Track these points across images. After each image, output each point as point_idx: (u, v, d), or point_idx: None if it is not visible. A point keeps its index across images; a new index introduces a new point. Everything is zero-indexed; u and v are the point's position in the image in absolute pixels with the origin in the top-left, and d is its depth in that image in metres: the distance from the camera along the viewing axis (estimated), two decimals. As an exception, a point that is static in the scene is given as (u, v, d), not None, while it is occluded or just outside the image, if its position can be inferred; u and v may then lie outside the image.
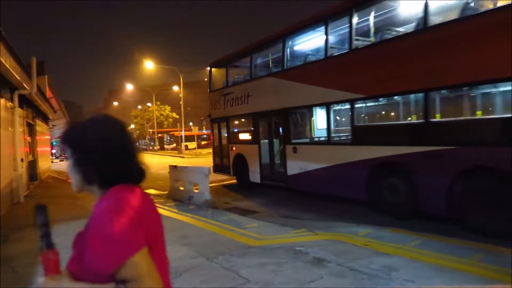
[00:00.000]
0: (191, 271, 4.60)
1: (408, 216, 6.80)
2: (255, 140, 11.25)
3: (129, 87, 57.21)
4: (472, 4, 6.14)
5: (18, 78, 9.27)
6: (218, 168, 13.40)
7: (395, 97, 7.77)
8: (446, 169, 6.03)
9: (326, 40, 8.54)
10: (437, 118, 6.56)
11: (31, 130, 16.39)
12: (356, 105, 7.92)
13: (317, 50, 9.63)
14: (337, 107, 8.69)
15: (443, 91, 6.56)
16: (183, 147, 37.19)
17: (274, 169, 10.64)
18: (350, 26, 7.83)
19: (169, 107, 55.38)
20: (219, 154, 13.35)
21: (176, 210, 8.67)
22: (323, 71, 8.75)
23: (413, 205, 6.66)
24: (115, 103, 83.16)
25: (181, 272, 4.56)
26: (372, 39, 7.89)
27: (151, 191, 12.14)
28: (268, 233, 6.24)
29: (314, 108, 9.48)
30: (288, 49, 9.98)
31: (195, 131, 40.54)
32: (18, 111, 11.17)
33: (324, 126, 8.87)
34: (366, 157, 7.51)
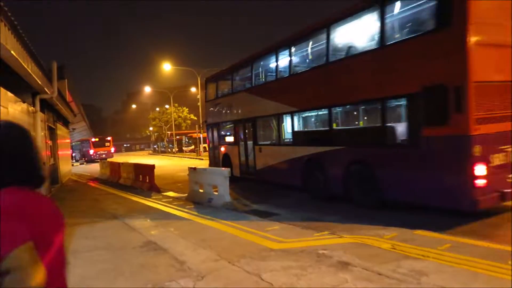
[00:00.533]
0: (213, 274, 4.53)
1: (325, 198, 9.26)
2: (235, 142, 14.27)
3: (147, 89, 57.95)
4: (345, 51, 8.87)
5: (40, 83, 9.43)
6: (212, 165, 16.09)
7: (315, 111, 10.40)
8: (340, 162, 8.65)
9: (277, 66, 11.46)
10: (334, 126, 9.31)
11: (52, 134, 16.70)
12: (295, 116, 10.81)
13: (272, 72, 12.22)
14: (285, 117, 11.24)
15: (338, 108, 9.44)
16: (201, 149, 37.14)
17: (248, 165, 13.37)
18: (290, 56, 10.77)
19: (187, 109, 55.58)
20: (213, 153, 16.37)
21: (196, 213, 8.64)
22: (275, 90, 11.64)
23: (327, 189, 9.19)
24: (134, 106, 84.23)
25: (203, 275, 4.50)
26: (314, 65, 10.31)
27: (171, 194, 12.18)
28: (289, 235, 6.12)
29: (271, 117, 11.90)
30: (255, 70, 12.89)
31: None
32: (40, 115, 11.39)
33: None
34: (301, 155, 10.18)
